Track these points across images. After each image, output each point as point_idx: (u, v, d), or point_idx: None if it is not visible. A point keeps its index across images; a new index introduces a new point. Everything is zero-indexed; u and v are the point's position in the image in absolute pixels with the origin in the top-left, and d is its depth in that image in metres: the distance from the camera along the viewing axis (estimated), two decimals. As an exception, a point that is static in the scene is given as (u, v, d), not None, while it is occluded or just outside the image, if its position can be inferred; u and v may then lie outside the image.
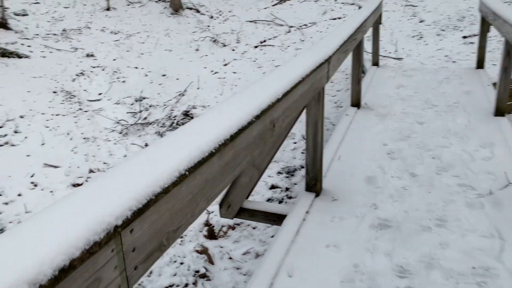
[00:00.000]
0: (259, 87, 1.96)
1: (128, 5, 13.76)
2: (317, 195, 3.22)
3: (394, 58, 8.69)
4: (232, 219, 3.66)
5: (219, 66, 9.23)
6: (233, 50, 9.98)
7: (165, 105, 7.69)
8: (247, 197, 3.58)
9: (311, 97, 2.74)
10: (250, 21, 11.69)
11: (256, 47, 10.05)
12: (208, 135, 1.36)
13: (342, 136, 4.29)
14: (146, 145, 6.76)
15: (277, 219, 3.34)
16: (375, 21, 6.40)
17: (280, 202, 5.29)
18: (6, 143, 6.10)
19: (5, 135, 6.31)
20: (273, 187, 5.55)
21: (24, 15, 12.37)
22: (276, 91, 1.95)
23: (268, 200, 5.35)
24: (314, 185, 3.21)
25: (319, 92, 2.86)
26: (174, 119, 7.00)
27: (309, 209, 3.02)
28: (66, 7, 13.37)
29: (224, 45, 10.28)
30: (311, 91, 2.64)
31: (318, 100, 2.92)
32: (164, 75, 9.06)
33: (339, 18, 11.56)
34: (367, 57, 7.86)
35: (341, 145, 4.10)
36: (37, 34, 11.11)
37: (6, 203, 4.86)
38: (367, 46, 8.31)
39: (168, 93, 8.16)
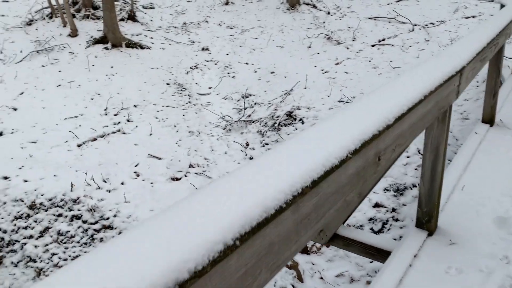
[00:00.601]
0: (363, 108, 1.52)
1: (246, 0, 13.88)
2: (430, 234, 2.63)
3: (541, 65, 7.29)
4: (323, 244, 3.24)
5: (330, 65, 8.73)
6: (348, 48, 9.37)
7: (270, 103, 7.46)
8: (343, 222, 3.12)
9: (434, 118, 2.18)
10: (370, 18, 10.91)
11: (373, 46, 9.31)
12: (277, 182, 0.98)
13: (468, 159, 3.55)
14: (247, 144, 6.60)
15: (376, 253, 2.83)
16: (522, 21, 5.32)
17: (384, 224, 4.69)
18: (118, 130, 6.42)
19: (119, 122, 6.66)
20: (377, 205, 4.96)
21: (151, 8, 13.20)
22: (386, 115, 1.49)
23: (370, 220, 4.79)
24: (427, 221, 2.63)
25: (445, 111, 2.29)
26: (277, 120, 6.72)
27: (419, 252, 2.47)
28: (188, 1, 13.98)
29: (338, 43, 9.71)
30: (435, 110, 2.09)
31: (442, 120, 2.34)
32: (272, 72, 8.85)
33: (474, 17, 10.19)
34: (505, 63, 6.69)
35: (466, 171, 3.38)
36: (160, 27, 11.74)
37: (109, 191, 5.05)
38: (506, 51, 7.09)
39: (275, 91, 7.92)
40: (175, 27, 11.86)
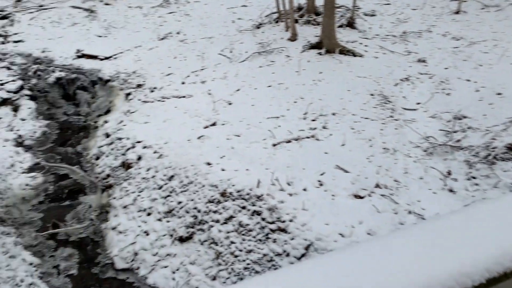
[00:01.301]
0: None
1: (482, 8, 12.22)
2: None
3: None
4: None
5: None
6: None
7: (487, 130, 6.36)
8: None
9: None
10: None
11: None
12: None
13: None
14: (449, 173, 5.78)
15: None
16: None
17: None
18: (313, 136, 6.49)
19: (314, 128, 6.72)
20: None
21: (372, 15, 12.95)
22: None
23: None
24: None
25: None
26: (492, 151, 5.66)
27: None
28: (413, 9, 13.16)
29: None
30: None
31: None
32: (499, 94, 7.52)
33: None
34: None
35: None
36: (377, 35, 11.40)
37: (290, 194, 5.13)
38: None
39: (497, 116, 6.71)
40: (393, 36, 11.33)
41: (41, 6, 16.33)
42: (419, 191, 5.55)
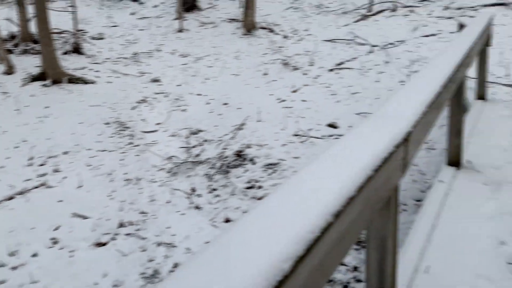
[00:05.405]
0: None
1: (201, 26, 13.29)
2: None
3: (505, 85, 6.89)
4: None
5: (286, 93, 8.13)
6: (305, 74, 8.83)
7: (220, 140, 6.76)
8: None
9: (373, 210, 1.51)
10: (327, 41, 10.45)
11: (331, 70, 8.79)
12: None
13: (431, 222, 2.88)
14: (193, 190, 5.84)
15: None
16: (483, 43, 4.84)
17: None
18: (43, 184, 5.56)
19: (44, 174, 5.79)
20: None
21: (100, 38, 12.44)
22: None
23: None
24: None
25: (388, 197, 1.62)
26: (225, 160, 6.01)
27: None
28: (141, 30, 13.29)
29: (295, 68, 9.16)
30: (371, 203, 1.41)
31: (386, 208, 1.67)
32: (225, 104, 8.18)
33: (433, 35, 9.86)
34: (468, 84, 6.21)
35: (430, 242, 2.69)
36: (108, 58, 10.97)
37: (15, 268, 4.16)
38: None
39: (226, 125, 7.23)
40: (125, 58, 11.12)
41: None
42: (167, 217, 5.37)
